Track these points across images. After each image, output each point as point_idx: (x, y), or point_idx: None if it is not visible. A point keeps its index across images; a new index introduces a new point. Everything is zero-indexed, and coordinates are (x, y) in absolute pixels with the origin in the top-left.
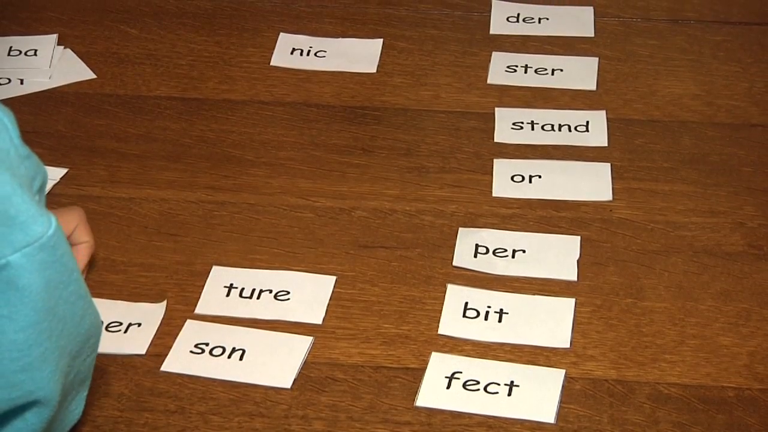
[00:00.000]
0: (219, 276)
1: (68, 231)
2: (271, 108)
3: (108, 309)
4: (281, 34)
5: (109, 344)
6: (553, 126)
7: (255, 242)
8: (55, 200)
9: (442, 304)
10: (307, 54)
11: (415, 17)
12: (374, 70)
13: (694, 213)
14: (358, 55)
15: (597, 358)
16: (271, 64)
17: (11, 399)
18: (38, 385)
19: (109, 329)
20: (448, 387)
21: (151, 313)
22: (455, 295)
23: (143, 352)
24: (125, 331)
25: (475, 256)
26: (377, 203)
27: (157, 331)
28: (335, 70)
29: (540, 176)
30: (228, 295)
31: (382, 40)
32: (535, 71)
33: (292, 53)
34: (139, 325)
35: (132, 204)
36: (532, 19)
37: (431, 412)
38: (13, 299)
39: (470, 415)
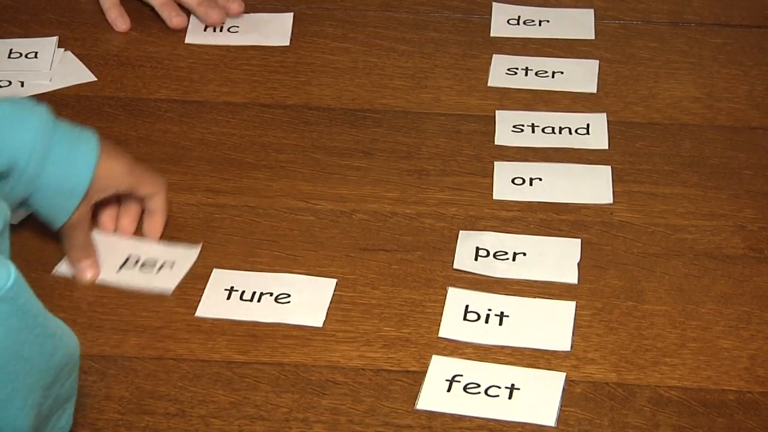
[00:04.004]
0: (219, 279)
1: (147, 194)
2: (271, 111)
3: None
4: None
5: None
6: (553, 129)
7: (255, 245)
8: None
9: (443, 307)
10: (220, 30)
11: (415, 20)
12: (287, 43)
13: (695, 216)
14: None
15: (597, 361)
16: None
17: None
18: (5, 423)
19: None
20: (448, 390)
21: (184, 256)
22: (456, 298)
23: (172, 287)
24: (157, 271)
25: (476, 259)
26: (378, 206)
27: (155, 334)
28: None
29: (540, 179)
30: (228, 297)
31: (292, 14)
32: (536, 74)
33: None
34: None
35: None
36: (533, 21)
37: (432, 415)
38: None
39: (471, 418)
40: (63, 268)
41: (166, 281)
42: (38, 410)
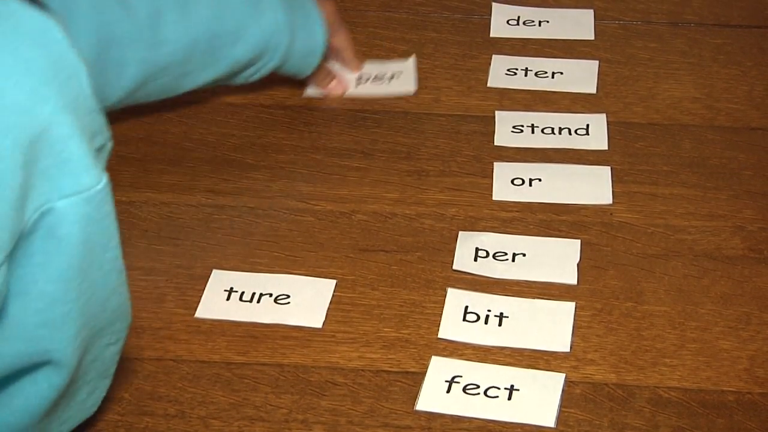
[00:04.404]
0: (219, 280)
1: (335, 31)
2: (271, 111)
3: None
4: None
5: None
6: (553, 129)
7: (255, 246)
8: None
9: (442, 307)
10: None
11: (415, 20)
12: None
13: (694, 216)
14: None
15: (597, 362)
16: None
17: (27, 354)
18: (56, 346)
19: None
20: (448, 391)
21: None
22: (455, 298)
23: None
24: (388, 81)
25: (475, 260)
26: (377, 207)
27: (154, 335)
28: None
29: (540, 179)
30: (228, 298)
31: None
32: (536, 74)
33: None
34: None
35: (132, 207)
36: (533, 22)
37: (431, 416)
38: (50, 248)
39: (470, 419)
40: (311, 91)
41: (402, 85)
42: (81, 353)
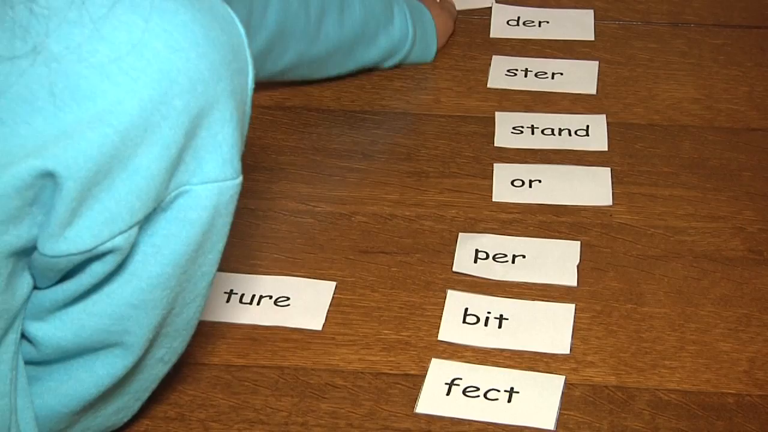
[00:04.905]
0: (219, 281)
1: None
2: (271, 112)
3: None
4: None
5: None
6: (553, 130)
7: (255, 247)
8: None
9: (442, 309)
10: None
11: None
12: None
13: (694, 218)
14: None
15: (597, 364)
16: None
17: (108, 332)
18: (135, 329)
19: None
20: (448, 393)
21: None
22: (455, 300)
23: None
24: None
25: (475, 262)
26: (377, 208)
27: None
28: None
29: (540, 181)
30: (228, 301)
31: None
32: (535, 75)
33: None
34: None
35: None
36: (533, 22)
37: (431, 418)
38: (173, 230)
39: (470, 422)
40: None
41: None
42: (147, 350)
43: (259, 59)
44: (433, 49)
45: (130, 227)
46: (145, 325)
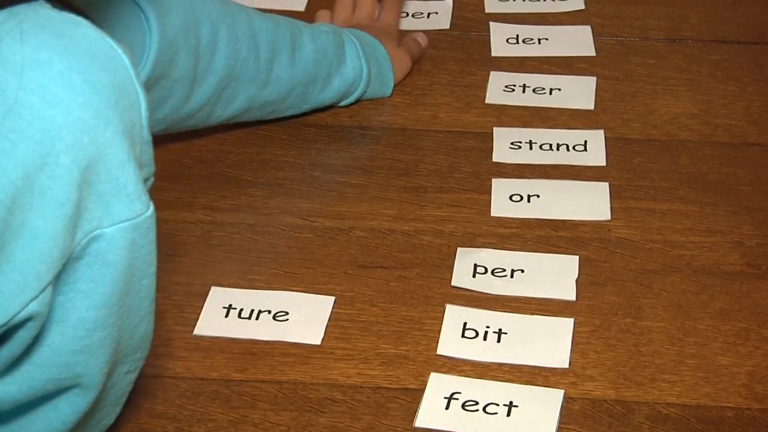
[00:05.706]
0: (218, 296)
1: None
2: (269, 128)
3: None
4: None
5: None
6: (551, 145)
7: (253, 262)
8: None
9: (441, 324)
10: None
11: None
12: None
13: (693, 232)
14: None
15: (596, 378)
16: None
17: (59, 379)
18: (88, 371)
19: None
20: (447, 407)
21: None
22: (454, 315)
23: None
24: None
25: (474, 276)
26: (375, 223)
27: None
28: None
29: (538, 196)
30: (227, 315)
31: None
32: (533, 90)
33: None
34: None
35: None
36: (532, 40)
37: None
38: (95, 274)
39: None
40: None
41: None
42: (105, 383)
43: (208, 104)
44: (390, 84)
45: (42, 291)
46: (95, 365)
